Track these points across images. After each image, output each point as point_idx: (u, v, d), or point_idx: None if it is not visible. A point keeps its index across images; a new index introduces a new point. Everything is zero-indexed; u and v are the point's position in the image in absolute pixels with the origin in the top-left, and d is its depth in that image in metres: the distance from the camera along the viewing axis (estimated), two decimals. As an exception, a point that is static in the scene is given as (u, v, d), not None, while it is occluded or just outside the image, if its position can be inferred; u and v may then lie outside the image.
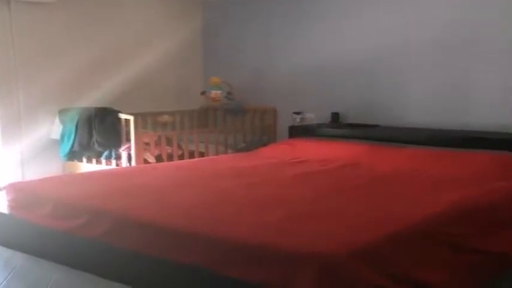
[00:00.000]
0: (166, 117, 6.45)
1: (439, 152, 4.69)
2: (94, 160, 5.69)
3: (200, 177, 4.15)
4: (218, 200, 3.39)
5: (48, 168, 5.63)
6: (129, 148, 5.37)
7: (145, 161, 5.37)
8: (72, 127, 5.63)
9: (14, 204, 3.80)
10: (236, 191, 3.64)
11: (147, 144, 5.47)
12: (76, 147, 5.60)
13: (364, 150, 4.95)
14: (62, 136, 5.72)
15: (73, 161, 5.81)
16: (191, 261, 2.71)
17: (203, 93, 6.74)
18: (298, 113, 6.28)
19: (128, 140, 5.42)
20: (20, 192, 3.83)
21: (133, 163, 5.31)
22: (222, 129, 6.44)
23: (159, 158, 5.46)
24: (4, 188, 4.01)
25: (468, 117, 5.21)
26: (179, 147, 5.68)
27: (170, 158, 5.53)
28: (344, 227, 2.76)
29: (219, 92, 6.58)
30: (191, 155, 5.69)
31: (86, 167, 5.68)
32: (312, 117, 6.26)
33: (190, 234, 2.80)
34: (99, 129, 5.49)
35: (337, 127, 5.80)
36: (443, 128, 5.28)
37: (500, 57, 5.04)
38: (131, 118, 5.38)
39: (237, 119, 6.81)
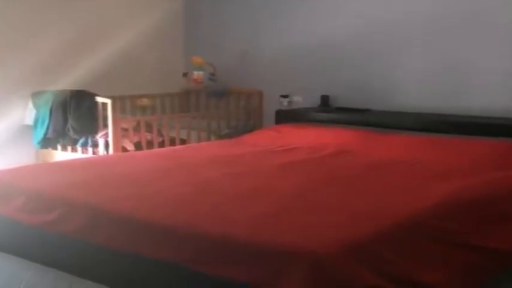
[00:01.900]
0: (145, 101, 6.42)
1: (435, 138, 4.69)
2: (69, 148, 5.66)
3: (182, 167, 4.12)
4: (200, 192, 3.36)
5: (21, 156, 5.59)
6: (106, 135, 5.34)
7: (124, 149, 5.35)
8: (46, 112, 5.59)
9: (-16, 197, 3.76)
10: (219, 182, 3.62)
11: (126, 130, 5.45)
12: (50, 134, 5.56)
13: (355, 137, 4.94)
14: (36, 122, 5.68)
15: (47, 148, 5.78)
16: (172, 258, 2.70)
17: (185, 74, 6.71)
18: (285, 96, 6.27)
19: (105, 125, 5.39)
20: (-9, 184, 3.80)
21: (111, 151, 5.30)
22: (204, 114, 6.43)
23: (138, 146, 5.45)
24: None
25: (467, 101, 5.21)
26: (159, 133, 5.66)
27: (150, 145, 5.52)
28: (335, 222, 2.75)
29: (201, 73, 6.55)
30: (172, 142, 5.68)
31: (60, 155, 5.65)
32: (300, 101, 6.25)
33: (171, 229, 2.78)
34: (74, 114, 5.45)
35: (327, 111, 5.79)
36: (440, 113, 5.27)
37: (501, 35, 5.03)
38: (109, 102, 5.35)
39: (220, 103, 6.80)
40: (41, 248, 3.36)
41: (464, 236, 3.07)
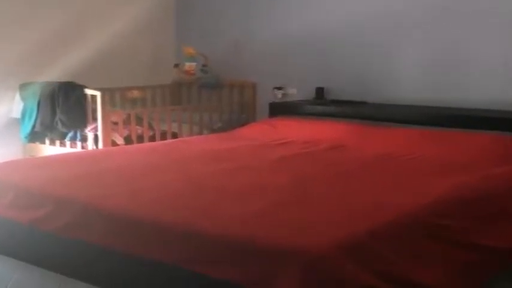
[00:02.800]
0: (135, 93, 6.40)
1: (433, 132, 4.67)
2: (58, 142, 5.63)
3: (173, 162, 4.12)
4: (193, 188, 3.36)
5: (8, 150, 5.56)
6: (95, 128, 5.32)
7: (114, 143, 5.34)
8: (33, 104, 5.56)
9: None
10: (213, 178, 3.61)
11: (115, 123, 5.44)
12: (38, 128, 5.53)
13: (351, 131, 4.94)
14: (23, 115, 5.65)
15: (35, 143, 5.75)
16: (165, 258, 2.70)
17: (176, 65, 6.69)
18: (279, 88, 6.26)
19: (95, 119, 5.37)
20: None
21: (100, 145, 5.28)
22: (196, 106, 6.40)
23: (128, 140, 5.43)
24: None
25: (466, 93, 5.19)
26: (150, 127, 5.64)
27: (140, 139, 5.50)
28: (331, 220, 2.74)
29: (193, 64, 6.53)
30: (163, 136, 5.66)
31: (48, 149, 5.63)
32: (294, 93, 6.25)
33: (163, 227, 2.78)
34: (62, 106, 5.42)
35: (322, 104, 5.78)
36: (439, 106, 5.26)
37: (501, 25, 5.01)
38: (98, 94, 5.32)
39: (212, 95, 6.78)
40: (28, 246, 3.36)
41: (464, 234, 3.07)
